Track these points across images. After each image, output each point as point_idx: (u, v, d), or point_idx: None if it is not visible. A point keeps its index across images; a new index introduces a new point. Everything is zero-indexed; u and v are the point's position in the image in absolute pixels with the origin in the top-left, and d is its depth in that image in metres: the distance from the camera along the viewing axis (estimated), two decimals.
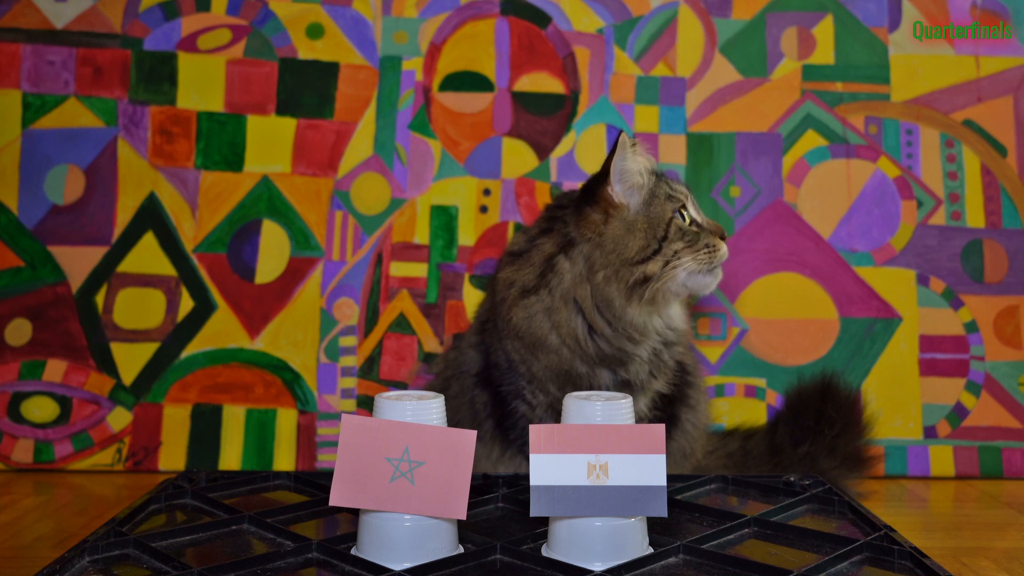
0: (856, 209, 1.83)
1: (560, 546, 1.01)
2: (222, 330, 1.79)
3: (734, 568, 1.01)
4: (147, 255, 1.80)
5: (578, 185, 1.32)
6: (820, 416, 1.56)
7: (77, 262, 1.79)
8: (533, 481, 0.97)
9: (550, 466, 0.97)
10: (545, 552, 1.03)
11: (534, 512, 0.98)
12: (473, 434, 1.01)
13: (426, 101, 1.85)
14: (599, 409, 1.02)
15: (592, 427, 0.98)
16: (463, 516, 1.00)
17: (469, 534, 1.09)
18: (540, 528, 1.11)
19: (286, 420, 1.76)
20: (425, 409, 1.04)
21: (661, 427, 0.98)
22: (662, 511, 0.98)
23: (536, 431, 0.98)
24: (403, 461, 1.00)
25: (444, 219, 1.82)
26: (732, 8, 1.87)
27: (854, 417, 1.58)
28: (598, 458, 0.98)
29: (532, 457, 0.98)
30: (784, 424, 1.60)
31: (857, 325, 1.80)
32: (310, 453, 1.75)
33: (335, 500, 1.01)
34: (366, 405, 1.77)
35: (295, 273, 1.81)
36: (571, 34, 1.87)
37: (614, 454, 0.98)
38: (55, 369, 1.77)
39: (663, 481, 0.97)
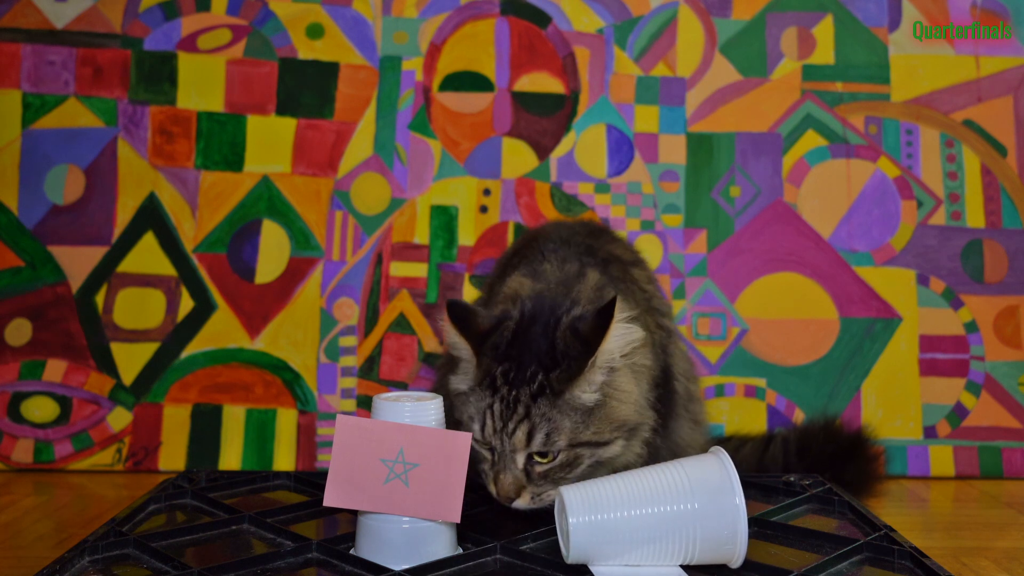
0: (856, 209, 1.83)
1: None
2: (222, 330, 1.79)
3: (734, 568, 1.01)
4: (147, 255, 1.80)
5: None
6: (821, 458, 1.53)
7: (77, 262, 1.79)
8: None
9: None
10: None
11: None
12: (468, 436, 1.00)
13: (426, 101, 1.85)
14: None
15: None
16: (457, 519, 1.00)
17: (469, 534, 1.09)
18: (540, 528, 1.11)
19: (286, 420, 1.76)
20: (423, 410, 1.04)
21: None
22: None
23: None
24: (397, 463, 1.00)
25: (444, 219, 1.82)
26: (732, 8, 1.87)
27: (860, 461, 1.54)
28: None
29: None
30: (780, 449, 1.57)
31: (857, 325, 1.79)
32: (310, 453, 1.75)
33: (329, 501, 1.01)
34: (366, 405, 1.77)
35: (295, 273, 1.81)
36: (571, 34, 1.87)
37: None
38: (55, 369, 1.77)
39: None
